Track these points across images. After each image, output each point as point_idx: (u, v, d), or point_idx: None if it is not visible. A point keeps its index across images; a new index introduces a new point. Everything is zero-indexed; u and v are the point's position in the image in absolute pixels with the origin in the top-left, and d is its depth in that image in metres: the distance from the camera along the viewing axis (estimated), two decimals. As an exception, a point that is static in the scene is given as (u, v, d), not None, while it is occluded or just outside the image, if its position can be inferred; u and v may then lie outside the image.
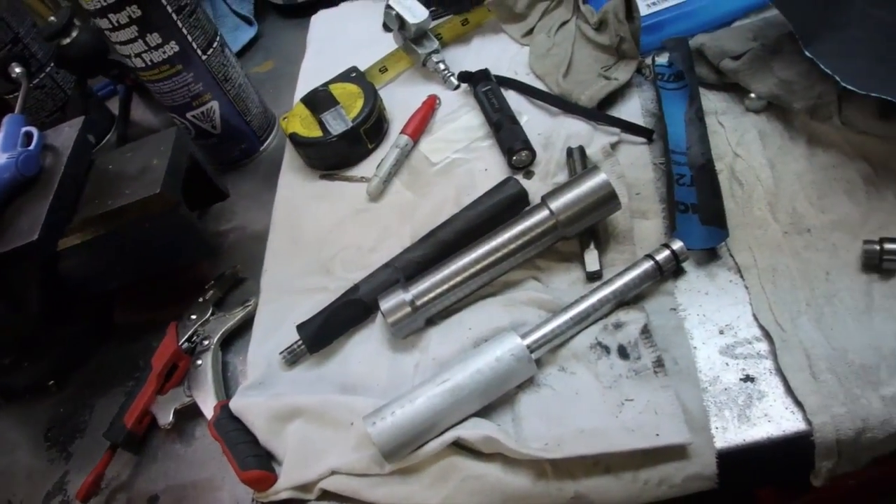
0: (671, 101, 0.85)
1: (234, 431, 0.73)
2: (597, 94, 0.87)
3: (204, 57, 0.95)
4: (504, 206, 0.79)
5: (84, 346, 0.92)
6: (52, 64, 1.12)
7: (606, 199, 0.72)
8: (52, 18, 1.02)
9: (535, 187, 0.82)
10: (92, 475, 0.76)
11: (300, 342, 0.77)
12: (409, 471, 0.66)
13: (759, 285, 0.69)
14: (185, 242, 0.88)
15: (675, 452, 0.61)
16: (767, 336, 0.66)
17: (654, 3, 0.96)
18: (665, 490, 0.61)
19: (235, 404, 0.74)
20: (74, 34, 1.02)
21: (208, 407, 0.77)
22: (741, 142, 0.80)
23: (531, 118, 0.92)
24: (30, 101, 1.09)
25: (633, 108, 0.89)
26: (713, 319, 0.69)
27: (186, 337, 0.84)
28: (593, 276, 0.74)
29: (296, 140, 0.96)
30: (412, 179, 0.92)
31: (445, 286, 0.74)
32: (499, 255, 0.74)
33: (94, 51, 1.04)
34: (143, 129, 1.21)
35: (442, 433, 0.65)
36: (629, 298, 0.70)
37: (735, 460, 0.61)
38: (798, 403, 0.62)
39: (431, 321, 0.76)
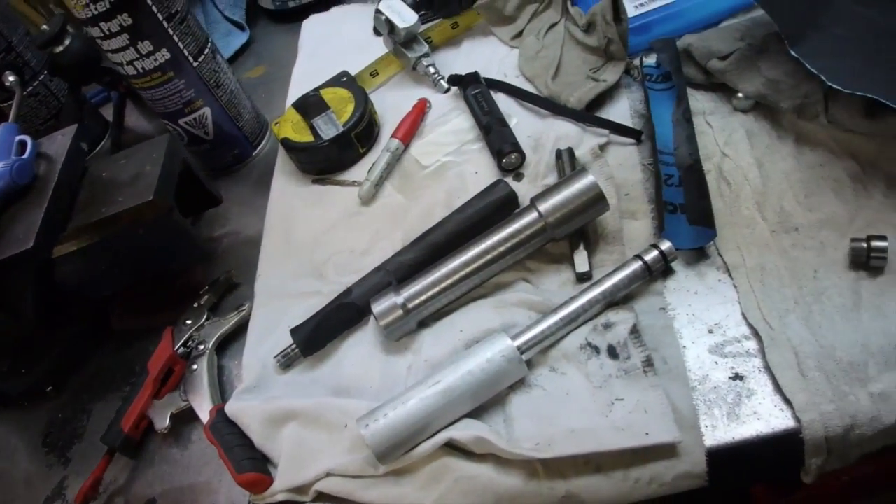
0: (659, 101, 0.86)
1: (229, 435, 0.73)
2: (585, 95, 0.88)
3: (195, 64, 0.96)
4: (494, 208, 0.79)
5: (80, 352, 0.93)
6: (45, 72, 1.13)
7: (595, 201, 0.73)
8: (45, 27, 1.02)
9: (524, 189, 0.83)
10: (90, 479, 0.77)
11: (294, 346, 0.78)
12: (402, 472, 0.67)
13: (748, 284, 0.70)
14: (180, 248, 0.89)
15: (665, 451, 0.62)
16: (756, 334, 0.67)
17: (641, 5, 0.97)
18: (655, 488, 0.62)
19: (231, 408, 0.75)
20: (67, 42, 1.02)
21: (204, 411, 0.78)
22: (729, 141, 0.81)
23: (521, 120, 0.92)
24: (23, 108, 1.09)
25: (621, 109, 0.89)
26: (702, 318, 0.70)
27: (182, 342, 0.85)
28: (583, 277, 0.75)
29: (288, 145, 0.97)
30: (403, 183, 0.93)
31: (437, 289, 0.75)
32: (489, 257, 0.74)
33: (86, 58, 1.05)
34: (136, 135, 1.22)
35: (434, 434, 0.66)
36: (619, 299, 0.71)
37: (725, 458, 0.62)
38: (787, 401, 0.62)
39: (424, 323, 0.77)
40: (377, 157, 0.95)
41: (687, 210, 0.74)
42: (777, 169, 0.77)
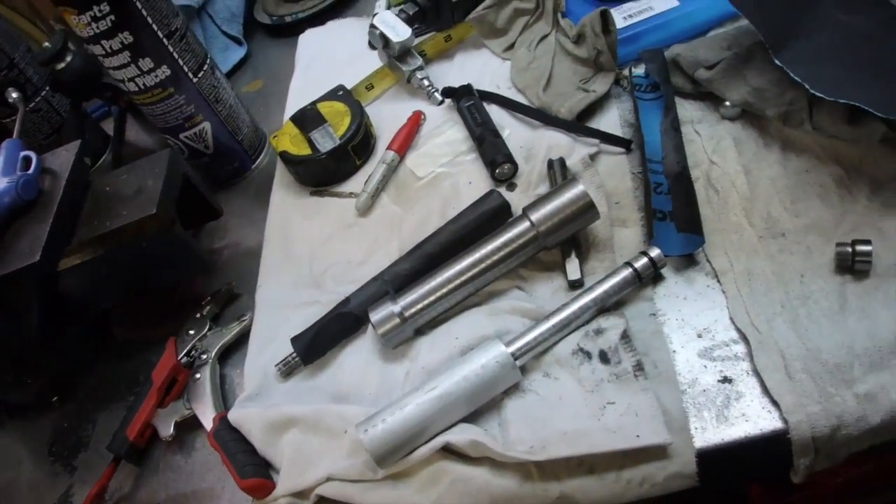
0: (648, 111, 0.87)
1: (232, 441, 0.75)
2: (576, 106, 0.89)
3: (195, 79, 0.97)
4: (487, 218, 0.81)
5: (85, 362, 0.94)
6: (47, 88, 1.14)
7: (585, 210, 0.74)
8: (47, 44, 1.04)
9: (517, 199, 0.84)
10: (96, 487, 0.78)
11: (294, 354, 0.79)
12: (400, 475, 0.68)
13: (736, 289, 0.71)
14: (181, 260, 0.90)
15: (656, 452, 0.63)
16: (744, 338, 0.68)
17: (630, 16, 0.98)
18: (647, 489, 0.63)
19: (233, 415, 0.76)
20: (69, 59, 1.03)
21: (207, 419, 0.79)
22: (717, 149, 0.82)
23: (513, 131, 0.94)
24: (26, 124, 1.10)
25: (611, 119, 0.90)
26: (691, 323, 0.71)
27: (185, 352, 0.86)
28: (575, 285, 0.76)
29: (286, 158, 0.98)
30: (399, 194, 0.94)
31: (433, 297, 0.76)
32: (483, 266, 0.76)
33: (88, 74, 1.06)
34: (137, 149, 1.23)
35: (431, 439, 0.67)
36: (610, 305, 0.72)
37: (714, 459, 0.63)
38: (774, 403, 0.63)
39: (420, 331, 0.78)
40: (373, 168, 0.96)
41: (675, 217, 0.76)
42: (764, 175, 0.78)
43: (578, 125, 0.89)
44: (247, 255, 0.98)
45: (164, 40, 0.92)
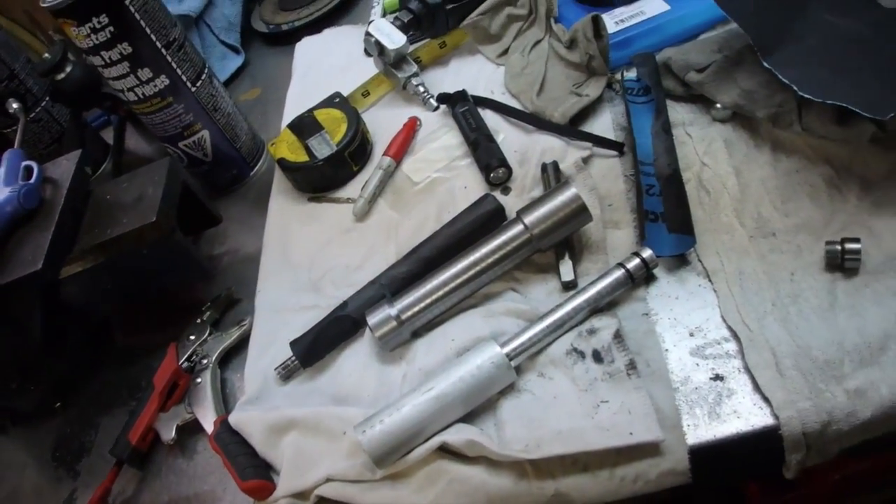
0: (640, 114, 0.88)
1: (233, 444, 0.75)
2: (569, 110, 0.90)
3: (193, 89, 0.98)
4: (482, 221, 0.82)
5: (87, 368, 0.95)
6: (47, 98, 1.15)
7: (577, 212, 0.75)
8: (47, 55, 1.05)
9: (512, 202, 0.85)
10: (99, 491, 0.79)
11: (293, 358, 0.80)
12: (398, 475, 0.69)
13: (727, 288, 0.72)
14: (182, 267, 0.91)
15: (649, 450, 0.64)
16: (735, 336, 0.68)
17: (622, 21, 0.99)
18: (641, 486, 0.64)
19: (234, 418, 0.77)
20: (68, 69, 1.05)
21: (208, 422, 0.80)
22: (708, 151, 0.83)
23: (507, 136, 0.94)
24: (27, 134, 1.11)
25: (604, 123, 0.91)
26: (683, 322, 0.72)
27: (186, 356, 0.87)
28: (569, 286, 0.77)
29: (284, 165, 0.99)
30: (396, 199, 0.95)
31: (429, 300, 0.77)
32: (478, 268, 0.77)
33: (87, 84, 1.07)
34: (137, 157, 1.24)
35: (428, 439, 0.68)
36: (603, 305, 0.73)
37: (707, 455, 0.64)
38: (765, 399, 0.64)
39: (417, 333, 0.79)
40: (370, 174, 0.97)
41: (666, 219, 0.77)
42: (754, 176, 0.79)
43: (571, 129, 0.90)
44: (246, 261, 0.99)
45: (163, 50, 0.93)
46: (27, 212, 0.86)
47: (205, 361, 0.86)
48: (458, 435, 0.67)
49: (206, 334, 0.89)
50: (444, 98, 1.02)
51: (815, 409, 0.62)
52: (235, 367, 0.88)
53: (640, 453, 0.64)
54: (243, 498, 0.74)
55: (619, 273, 0.73)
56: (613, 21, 0.99)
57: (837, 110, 0.74)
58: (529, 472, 0.65)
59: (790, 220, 0.75)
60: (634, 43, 0.97)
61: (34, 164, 0.89)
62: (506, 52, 1.06)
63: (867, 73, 0.77)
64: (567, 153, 0.88)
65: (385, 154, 0.98)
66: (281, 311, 0.88)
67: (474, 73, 1.07)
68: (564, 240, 0.78)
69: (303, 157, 0.98)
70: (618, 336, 0.70)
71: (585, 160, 0.87)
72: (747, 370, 0.66)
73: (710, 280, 0.74)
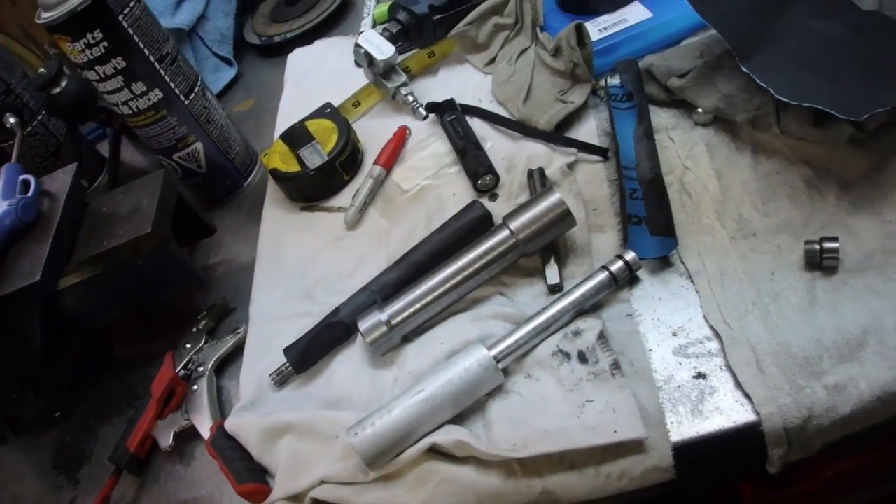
0: (623, 120, 0.89)
1: (229, 449, 0.77)
2: (554, 117, 0.92)
3: (186, 102, 0.99)
4: (470, 227, 0.83)
5: (85, 378, 0.96)
6: (43, 112, 1.15)
7: (561, 217, 0.76)
8: (42, 69, 1.06)
9: (499, 208, 0.87)
10: (99, 498, 0.80)
11: (287, 364, 0.81)
12: (390, 477, 0.70)
13: (709, 288, 0.73)
14: (177, 277, 0.92)
15: (634, 447, 0.65)
16: (717, 335, 0.70)
17: (605, 28, 1.00)
18: (626, 482, 0.65)
19: (230, 424, 0.78)
20: (64, 83, 1.05)
21: (205, 428, 0.81)
22: (690, 155, 0.84)
23: (495, 143, 0.96)
24: (24, 148, 1.11)
25: (589, 129, 0.93)
26: (667, 322, 0.73)
27: (182, 365, 0.88)
28: (554, 289, 0.78)
29: (276, 175, 1.00)
30: (386, 207, 0.96)
31: (418, 305, 0.78)
32: (466, 273, 0.78)
33: (83, 98, 1.07)
34: (132, 169, 1.24)
35: (419, 440, 0.69)
36: (588, 307, 0.74)
37: (690, 452, 0.65)
38: (747, 396, 0.65)
39: (407, 338, 0.80)
40: (361, 183, 0.98)
41: (648, 221, 0.78)
42: (735, 178, 0.80)
43: (557, 135, 0.91)
44: (240, 270, 1.00)
45: (156, 65, 0.95)
46: (25, 225, 0.87)
47: (201, 369, 0.87)
48: (447, 436, 0.68)
49: (202, 343, 0.90)
50: (432, 107, 1.03)
51: (795, 405, 0.63)
52: (231, 374, 0.89)
53: (624, 451, 0.65)
54: (240, 501, 0.75)
55: (603, 276, 0.74)
56: (597, 29, 1.00)
57: (815, 112, 0.76)
58: (517, 471, 0.67)
59: (770, 220, 0.76)
60: (618, 50, 0.98)
61: (31, 178, 0.90)
62: (493, 60, 1.07)
63: (844, 74, 0.79)
64: (553, 159, 0.89)
65: (375, 163, 0.99)
66: (275, 318, 0.89)
67: (462, 82, 1.08)
68: (550, 244, 0.80)
69: (295, 168, 0.99)
70: (602, 337, 0.71)
71: (571, 166, 0.88)
72: (729, 368, 0.67)
73: (692, 281, 0.75)
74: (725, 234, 0.77)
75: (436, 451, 0.70)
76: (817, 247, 0.71)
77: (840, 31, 0.84)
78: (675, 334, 0.72)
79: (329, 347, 0.83)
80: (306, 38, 1.34)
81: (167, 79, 0.97)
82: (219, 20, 1.38)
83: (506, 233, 0.78)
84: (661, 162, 0.83)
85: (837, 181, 0.77)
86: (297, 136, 1.03)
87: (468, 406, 0.72)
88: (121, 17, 0.90)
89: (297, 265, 0.95)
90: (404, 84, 1.07)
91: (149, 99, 0.96)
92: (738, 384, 0.66)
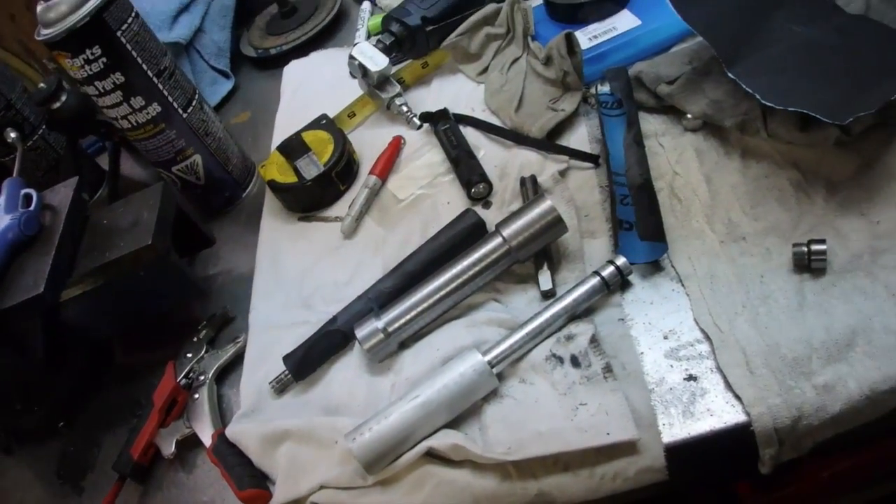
0: (613, 127, 0.90)
1: (230, 456, 0.78)
2: (546, 125, 0.93)
3: (185, 115, 1.00)
4: (464, 235, 0.84)
5: (88, 388, 0.96)
6: (43, 126, 1.16)
7: (553, 224, 0.77)
8: (42, 85, 1.07)
9: (493, 216, 0.88)
10: (103, 505, 0.81)
11: (287, 372, 0.82)
12: (388, 481, 0.71)
13: (699, 292, 0.74)
14: (177, 287, 0.93)
15: (626, 448, 0.66)
16: (707, 338, 0.70)
17: (595, 37, 1.01)
18: (620, 483, 0.66)
19: (231, 431, 0.79)
20: (64, 98, 1.06)
21: (207, 436, 0.82)
22: (679, 160, 0.85)
23: (487, 152, 0.97)
24: (25, 162, 1.11)
25: (580, 136, 0.94)
26: (658, 326, 0.74)
27: (184, 374, 0.88)
28: (547, 295, 0.79)
29: (274, 186, 1.01)
30: (382, 216, 0.97)
31: (414, 312, 0.79)
32: (460, 280, 0.79)
33: (82, 113, 1.08)
34: (132, 182, 1.25)
35: (416, 445, 0.70)
36: (580, 312, 0.75)
37: (682, 453, 0.66)
38: (737, 397, 0.66)
39: (404, 344, 0.81)
40: (357, 193, 0.99)
41: (637, 227, 0.79)
42: (725, 183, 0.81)
43: (549, 143, 0.92)
44: (239, 280, 1.01)
45: (154, 79, 0.96)
46: (28, 238, 0.88)
47: (202, 378, 0.88)
48: (443, 440, 0.69)
49: (203, 352, 0.91)
50: (426, 117, 1.04)
51: (785, 405, 0.64)
52: (231, 382, 0.90)
53: (618, 452, 0.66)
54: (242, 507, 0.76)
55: (595, 281, 0.76)
56: (587, 37, 1.01)
57: (800, 116, 0.76)
58: (513, 474, 0.68)
59: (759, 223, 0.77)
60: (608, 57, 0.99)
61: (33, 192, 0.91)
62: (485, 70, 1.08)
63: (829, 78, 0.80)
64: (545, 167, 0.90)
65: (371, 173, 1.01)
66: (274, 327, 0.90)
67: (456, 92, 1.09)
68: (543, 250, 0.81)
69: (292, 178, 1.00)
70: (594, 341, 0.72)
71: (562, 173, 0.89)
72: (719, 370, 0.68)
73: (682, 284, 0.76)
74: (715, 238, 0.77)
75: (432, 455, 0.71)
76: (805, 249, 0.72)
77: (825, 35, 0.85)
78: (666, 337, 0.73)
79: (327, 355, 0.84)
80: (302, 50, 1.35)
81: (165, 93, 0.98)
82: (215, 34, 1.39)
83: (499, 240, 0.79)
84: (651, 167, 0.84)
85: (825, 184, 0.78)
86: (293, 148, 1.04)
87: (464, 410, 0.72)
88: (119, 33, 0.91)
89: (295, 274, 0.96)
90: (398, 94, 1.08)
91: (147, 113, 0.97)
92: (729, 385, 0.67)
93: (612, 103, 0.93)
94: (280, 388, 0.83)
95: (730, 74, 0.79)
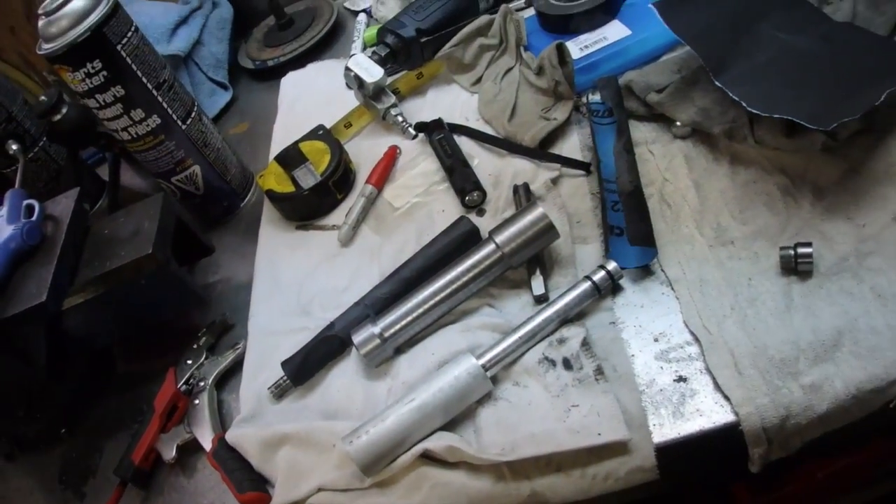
0: (604, 135, 0.92)
1: (230, 460, 0.79)
2: (538, 134, 0.94)
3: (184, 126, 1.02)
4: (458, 242, 0.86)
5: (90, 395, 0.97)
6: (44, 138, 1.17)
7: (545, 230, 0.79)
8: (43, 97, 1.08)
9: (487, 223, 0.89)
10: (105, 510, 0.82)
11: (285, 377, 0.83)
12: (385, 483, 0.72)
13: (689, 295, 0.75)
14: (178, 295, 0.94)
15: (618, 449, 0.68)
16: (697, 340, 0.72)
17: (586, 47, 1.02)
18: (611, 483, 0.67)
19: (231, 436, 0.80)
20: (64, 110, 1.07)
21: (207, 441, 0.83)
22: (669, 167, 0.87)
23: (481, 160, 0.99)
24: (26, 173, 1.11)
25: (572, 144, 0.95)
26: (648, 329, 0.75)
27: (184, 380, 0.89)
28: (540, 299, 0.81)
29: (272, 196, 1.03)
30: (378, 224, 0.99)
31: (410, 318, 0.81)
32: (455, 286, 0.81)
33: (83, 125, 1.09)
34: (132, 192, 1.26)
35: (412, 447, 0.71)
36: (572, 316, 0.77)
37: (673, 452, 0.67)
38: (726, 397, 0.67)
39: (400, 350, 0.82)
40: (354, 201, 1.01)
41: (628, 232, 0.80)
42: (713, 188, 0.83)
43: (541, 152, 0.94)
44: (239, 288, 1.02)
45: (154, 91, 0.97)
46: (30, 248, 0.89)
47: (202, 384, 0.89)
48: (439, 442, 0.71)
49: (203, 358, 0.92)
50: (421, 127, 1.06)
51: (773, 405, 0.65)
52: (231, 388, 0.91)
53: (609, 452, 0.68)
54: (242, 510, 0.77)
55: (587, 285, 0.77)
56: (578, 47, 1.02)
57: (787, 123, 0.78)
58: (507, 474, 0.69)
59: (747, 228, 0.79)
60: (599, 67, 1.01)
61: (35, 203, 0.92)
62: (479, 80, 1.10)
63: (814, 85, 0.81)
64: (538, 175, 0.92)
65: (367, 182, 1.02)
66: (272, 334, 0.91)
67: (450, 102, 1.10)
68: (536, 256, 0.82)
69: (289, 188, 1.02)
70: (586, 344, 0.74)
71: (555, 180, 0.91)
72: (708, 371, 0.70)
73: (672, 288, 0.77)
74: (704, 243, 0.79)
75: (428, 457, 0.72)
76: (792, 252, 0.73)
77: (811, 43, 0.86)
78: (656, 340, 0.74)
79: (325, 360, 0.85)
80: (298, 61, 1.37)
81: (165, 105, 0.99)
82: (213, 46, 1.40)
83: (492, 247, 0.80)
84: (642, 174, 0.86)
85: (812, 188, 0.79)
86: (291, 158, 1.05)
87: (459, 413, 0.74)
88: (119, 47, 0.92)
89: (294, 282, 0.97)
90: (394, 105, 1.10)
91: (147, 125, 0.98)
92: (718, 386, 0.68)
93: (603, 112, 0.95)
94: (279, 393, 0.84)
95: (717, 83, 0.81)
